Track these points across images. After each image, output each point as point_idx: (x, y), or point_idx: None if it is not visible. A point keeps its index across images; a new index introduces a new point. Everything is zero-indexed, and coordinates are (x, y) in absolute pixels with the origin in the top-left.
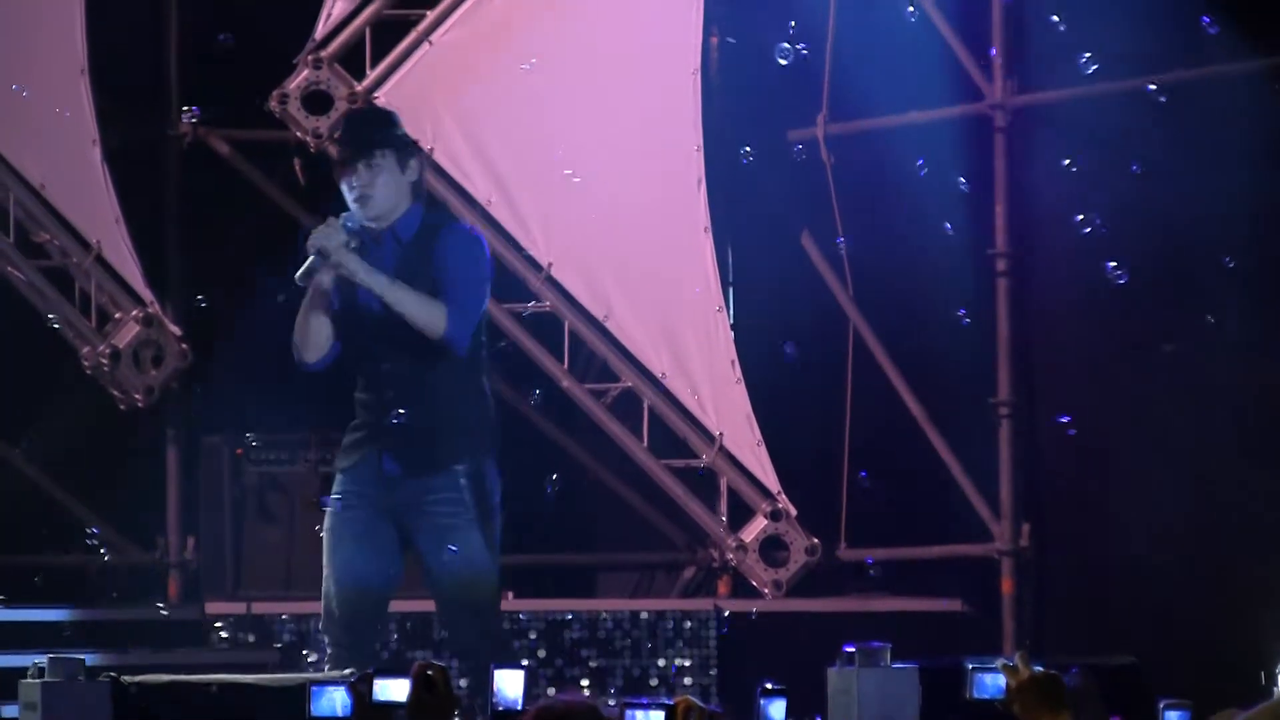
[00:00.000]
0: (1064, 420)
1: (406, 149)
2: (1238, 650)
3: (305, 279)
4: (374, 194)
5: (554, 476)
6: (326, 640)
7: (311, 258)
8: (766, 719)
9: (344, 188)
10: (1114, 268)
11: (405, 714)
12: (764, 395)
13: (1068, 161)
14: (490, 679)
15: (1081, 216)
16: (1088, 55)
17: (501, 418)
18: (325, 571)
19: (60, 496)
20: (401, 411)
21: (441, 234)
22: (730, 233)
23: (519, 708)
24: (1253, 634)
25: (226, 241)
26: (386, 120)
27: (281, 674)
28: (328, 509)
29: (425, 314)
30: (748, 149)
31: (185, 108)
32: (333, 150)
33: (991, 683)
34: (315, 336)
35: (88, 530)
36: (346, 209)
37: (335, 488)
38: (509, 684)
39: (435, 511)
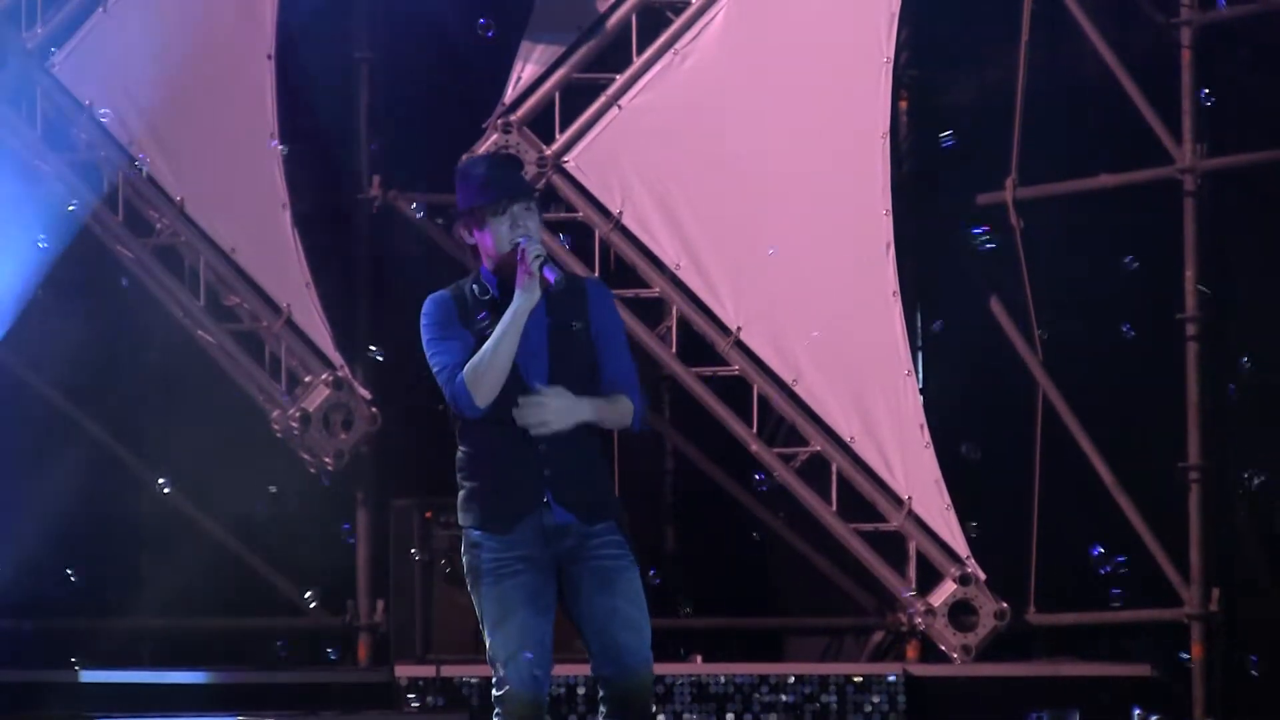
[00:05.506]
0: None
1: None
2: None
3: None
4: (534, 236)
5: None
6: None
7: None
8: None
9: (497, 233)
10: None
11: None
12: (952, 459)
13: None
14: None
15: None
16: None
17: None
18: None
19: (250, 560)
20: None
21: (588, 287)
22: (919, 297)
23: None
24: None
25: (416, 305)
26: (519, 164)
27: None
28: None
29: (617, 408)
30: None
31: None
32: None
33: None
34: (500, 376)
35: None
36: None
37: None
38: None
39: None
